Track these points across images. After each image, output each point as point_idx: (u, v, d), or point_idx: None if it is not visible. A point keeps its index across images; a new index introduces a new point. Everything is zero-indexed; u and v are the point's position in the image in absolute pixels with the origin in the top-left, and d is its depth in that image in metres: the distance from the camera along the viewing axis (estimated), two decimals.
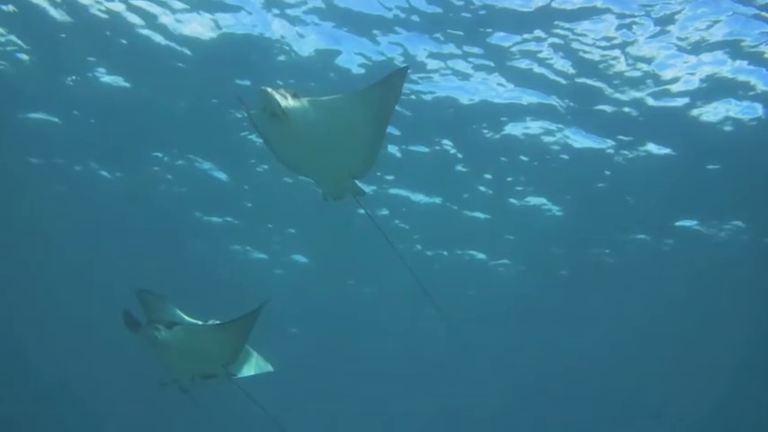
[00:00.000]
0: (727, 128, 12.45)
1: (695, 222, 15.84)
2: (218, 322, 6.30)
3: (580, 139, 13.36)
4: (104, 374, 24.13)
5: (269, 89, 5.13)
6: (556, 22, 10.66)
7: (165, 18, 11.11)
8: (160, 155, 15.09)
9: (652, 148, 13.33)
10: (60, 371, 25.48)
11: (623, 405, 26.68)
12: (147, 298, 6.43)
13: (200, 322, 6.54)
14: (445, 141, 13.87)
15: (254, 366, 7.02)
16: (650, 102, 12.07)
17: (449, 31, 11.05)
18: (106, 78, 12.54)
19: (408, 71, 6.06)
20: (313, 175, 6.31)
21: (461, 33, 11.08)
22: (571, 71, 11.65)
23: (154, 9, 10.95)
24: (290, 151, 5.73)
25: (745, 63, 11.05)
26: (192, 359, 6.23)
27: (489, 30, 10.96)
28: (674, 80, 11.57)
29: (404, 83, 5.45)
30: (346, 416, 29.55)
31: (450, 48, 11.41)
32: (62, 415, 25.98)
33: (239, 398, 6.73)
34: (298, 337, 23.67)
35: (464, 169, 14.63)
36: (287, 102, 5.18)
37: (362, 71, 11.80)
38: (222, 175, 15.61)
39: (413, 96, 12.47)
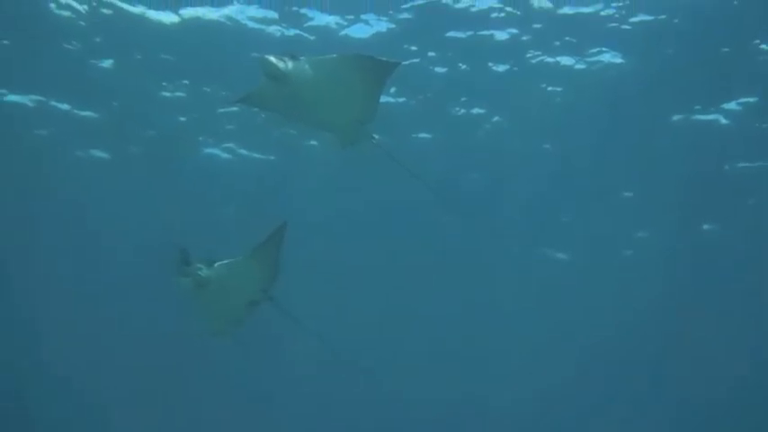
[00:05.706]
0: None
1: None
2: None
3: None
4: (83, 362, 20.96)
5: (266, 56, 6.21)
6: None
7: None
8: None
9: None
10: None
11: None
12: (185, 254, 7.27)
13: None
14: None
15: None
16: None
17: None
18: None
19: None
20: (321, 126, 7.55)
21: None
22: None
23: None
24: (296, 108, 6.83)
25: None
26: (234, 290, 7.34)
27: None
28: None
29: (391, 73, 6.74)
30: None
31: None
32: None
33: None
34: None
35: None
36: (286, 65, 6.26)
37: None
38: None
39: None
